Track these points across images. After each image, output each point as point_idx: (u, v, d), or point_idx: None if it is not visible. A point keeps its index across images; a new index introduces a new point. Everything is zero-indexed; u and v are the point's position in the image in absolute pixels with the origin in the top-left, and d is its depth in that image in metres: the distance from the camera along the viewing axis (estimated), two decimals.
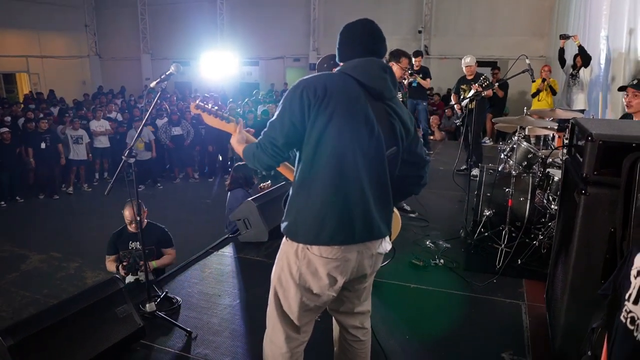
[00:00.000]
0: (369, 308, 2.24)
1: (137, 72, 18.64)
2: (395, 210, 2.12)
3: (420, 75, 7.82)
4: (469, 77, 6.96)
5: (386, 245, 2.05)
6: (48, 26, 16.70)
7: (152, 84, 2.71)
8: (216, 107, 2.15)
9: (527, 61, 4.14)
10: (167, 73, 2.61)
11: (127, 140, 10.37)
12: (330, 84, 1.83)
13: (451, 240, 4.51)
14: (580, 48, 6.90)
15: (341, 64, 1.98)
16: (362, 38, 1.98)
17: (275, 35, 16.13)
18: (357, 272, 1.98)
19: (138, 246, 4.17)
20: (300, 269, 1.90)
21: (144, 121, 2.74)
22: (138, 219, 3.22)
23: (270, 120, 1.88)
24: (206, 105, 2.14)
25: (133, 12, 18.28)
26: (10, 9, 15.24)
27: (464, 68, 6.94)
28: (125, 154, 2.71)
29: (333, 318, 2.26)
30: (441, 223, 5.03)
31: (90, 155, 10.48)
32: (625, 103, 3.64)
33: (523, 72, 4.19)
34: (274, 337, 2.02)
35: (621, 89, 3.68)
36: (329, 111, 1.78)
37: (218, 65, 15.66)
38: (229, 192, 5.46)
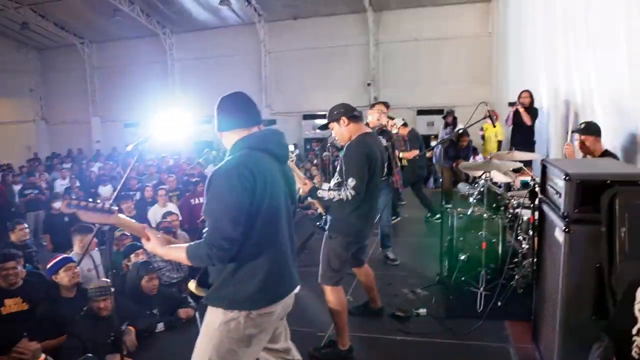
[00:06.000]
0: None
1: (87, 135, 18.17)
2: None
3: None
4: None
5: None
6: None
7: (129, 147, 2.63)
8: (91, 201, 1.99)
9: (487, 107, 4.33)
10: (143, 137, 2.55)
11: None
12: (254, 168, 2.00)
13: (429, 288, 4.49)
14: (526, 109, 6.66)
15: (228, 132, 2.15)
16: (248, 108, 2.19)
17: (227, 92, 16.23)
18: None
19: None
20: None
21: (122, 181, 2.63)
22: None
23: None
24: (80, 202, 1.97)
25: (81, 75, 18.00)
26: None
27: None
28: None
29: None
30: (416, 270, 5.02)
31: None
32: (577, 147, 3.88)
33: (484, 118, 4.38)
34: None
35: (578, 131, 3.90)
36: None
37: (170, 126, 15.49)
38: None
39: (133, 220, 2.07)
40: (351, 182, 3.15)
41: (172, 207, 6.94)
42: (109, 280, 3.51)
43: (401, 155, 6.98)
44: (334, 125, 3.38)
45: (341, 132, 3.37)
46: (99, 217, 1.95)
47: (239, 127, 2.12)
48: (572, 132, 3.86)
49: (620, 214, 2.20)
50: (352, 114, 3.33)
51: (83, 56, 17.76)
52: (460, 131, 7.47)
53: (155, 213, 6.70)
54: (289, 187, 2.20)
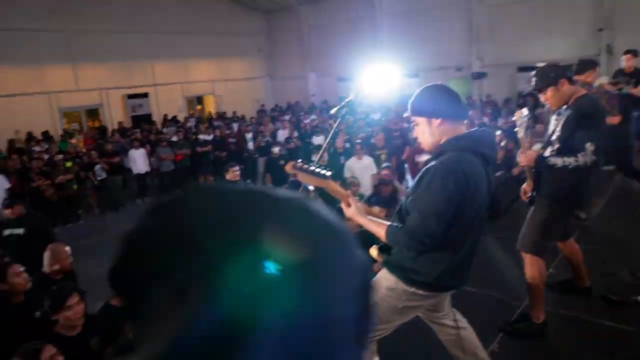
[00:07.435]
0: None
1: (304, 89, 19.95)
2: None
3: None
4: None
5: None
6: (228, 52, 18.93)
7: (333, 111, 2.85)
8: (311, 165, 2.24)
9: None
10: (346, 100, 2.71)
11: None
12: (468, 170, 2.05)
13: None
14: None
15: (438, 120, 2.12)
16: (458, 101, 2.18)
17: (435, 45, 15.76)
18: None
19: None
20: None
21: (326, 143, 2.88)
22: None
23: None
24: (303, 166, 2.24)
25: (298, 34, 19.66)
26: (198, 43, 17.60)
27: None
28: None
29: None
30: (637, 251, 4.37)
31: None
32: None
33: None
34: None
35: None
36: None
37: (379, 80, 15.88)
38: None
39: (340, 187, 2.29)
40: (590, 146, 2.82)
41: (368, 160, 7.21)
42: None
43: None
44: (550, 89, 3.03)
45: (559, 96, 3.02)
46: (315, 180, 2.21)
47: (451, 118, 2.13)
48: None
49: None
50: (569, 76, 3.01)
51: (300, 16, 19.28)
52: None
53: (352, 165, 7.11)
54: (489, 189, 2.20)
